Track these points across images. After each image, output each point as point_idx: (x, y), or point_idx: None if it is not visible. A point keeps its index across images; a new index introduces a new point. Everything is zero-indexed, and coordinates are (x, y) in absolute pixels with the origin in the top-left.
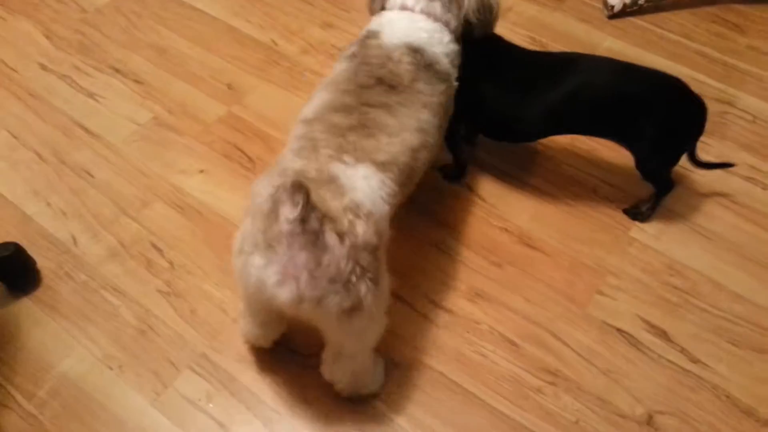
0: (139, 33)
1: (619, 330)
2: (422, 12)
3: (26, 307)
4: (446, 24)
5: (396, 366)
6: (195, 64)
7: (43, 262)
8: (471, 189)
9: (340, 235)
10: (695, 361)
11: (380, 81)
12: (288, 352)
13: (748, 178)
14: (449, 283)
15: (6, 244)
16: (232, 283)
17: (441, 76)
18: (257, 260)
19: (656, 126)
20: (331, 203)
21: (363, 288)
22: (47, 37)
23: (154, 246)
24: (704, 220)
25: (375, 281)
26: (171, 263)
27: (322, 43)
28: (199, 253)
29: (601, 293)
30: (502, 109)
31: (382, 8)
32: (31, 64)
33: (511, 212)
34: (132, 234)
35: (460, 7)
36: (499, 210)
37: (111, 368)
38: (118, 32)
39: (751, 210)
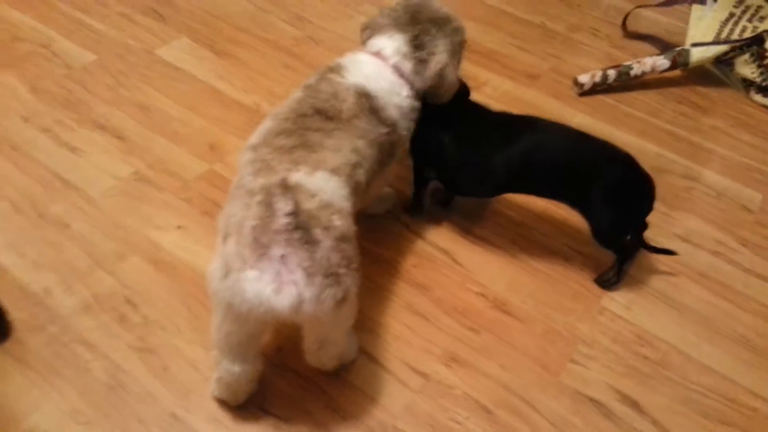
0: (124, 91)
1: (591, 399)
2: (393, 66)
3: None
4: (410, 83)
5: (369, 430)
6: (178, 123)
7: (15, 313)
8: (447, 253)
9: (325, 229)
10: None
11: (319, 112)
12: (260, 412)
13: (715, 252)
14: (424, 347)
15: None
16: (205, 341)
17: (384, 122)
18: (250, 274)
19: (604, 196)
20: (306, 205)
21: (350, 278)
22: (31, 92)
23: (129, 300)
24: (673, 292)
25: (356, 270)
26: (145, 318)
27: None
28: (174, 310)
29: (573, 361)
30: (459, 160)
31: (368, 39)
32: (13, 117)
33: (487, 278)
34: (106, 288)
35: (422, 77)
36: (475, 275)
37: (79, 424)
38: (103, 89)
39: (718, 283)
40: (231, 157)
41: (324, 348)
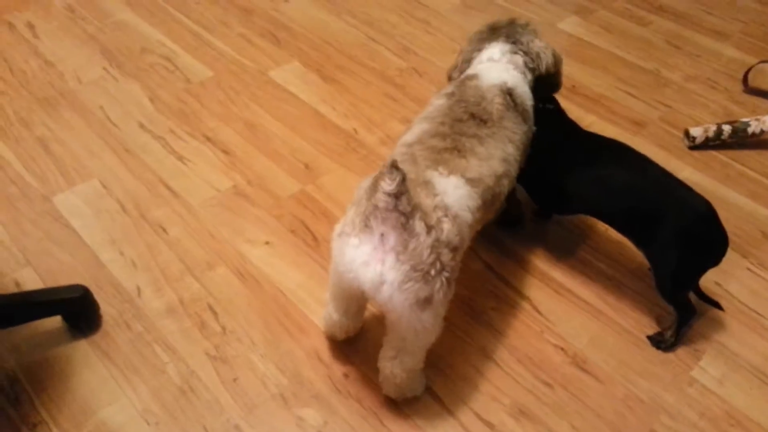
0: (234, 107)
1: None
2: (508, 62)
3: (82, 349)
4: (524, 75)
5: None
6: (279, 141)
7: (106, 307)
8: (529, 300)
9: (428, 227)
10: None
11: (473, 116)
12: None
13: None
14: (492, 394)
15: (76, 287)
16: (277, 358)
17: (524, 116)
18: (353, 240)
19: (669, 243)
20: (424, 200)
21: (438, 283)
22: (151, 101)
23: (211, 308)
24: None
25: (449, 282)
26: (223, 328)
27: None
28: (251, 323)
29: None
30: (539, 170)
31: (464, 62)
32: (131, 123)
33: (568, 331)
34: (193, 294)
35: (537, 63)
36: (556, 327)
37: (148, 423)
38: (216, 104)
39: None
40: (323, 179)
41: (399, 358)
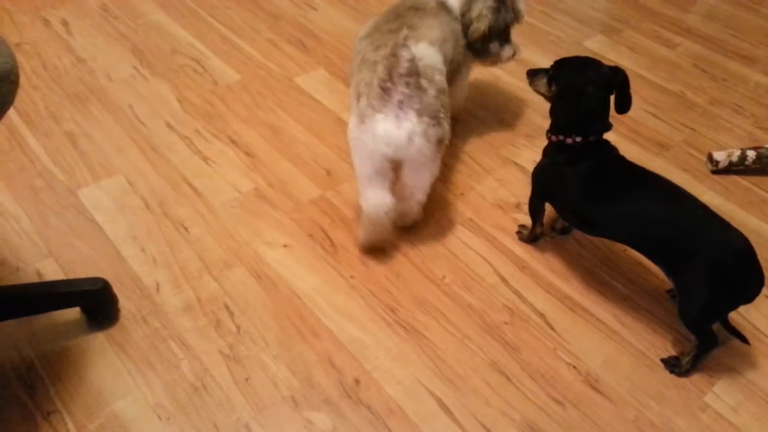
0: (259, 111)
1: None
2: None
3: (99, 342)
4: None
5: None
6: (302, 147)
7: (124, 302)
8: (543, 316)
9: (430, 81)
10: None
11: (411, 8)
12: None
13: None
14: (502, 409)
15: (96, 279)
16: (290, 360)
17: (454, 17)
18: (379, 116)
19: (701, 276)
20: (418, 62)
21: (446, 123)
22: (179, 101)
23: (227, 307)
24: None
25: (448, 123)
26: (238, 328)
27: None
28: (266, 324)
29: None
30: (574, 197)
31: None
32: (158, 122)
33: (582, 350)
34: (210, 292)
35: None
36: (569, 345)
37: (160, 418)
38: (241, 107)
39: None
40: (343, 186)
41: (413, 195)
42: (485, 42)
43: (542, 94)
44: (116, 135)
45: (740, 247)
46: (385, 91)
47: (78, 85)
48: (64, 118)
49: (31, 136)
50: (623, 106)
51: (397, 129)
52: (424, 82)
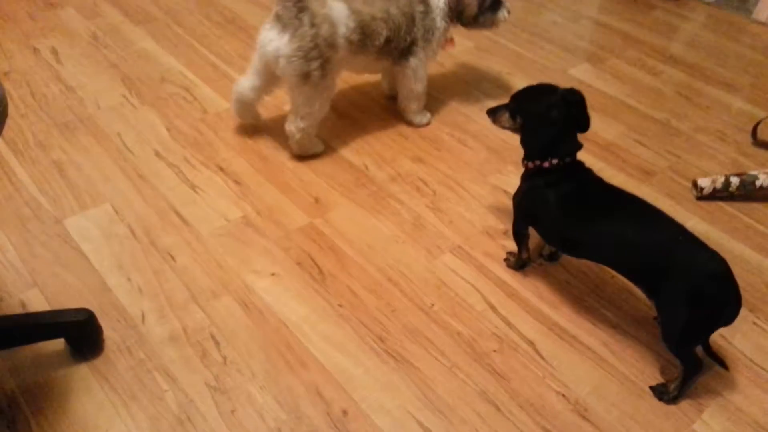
0: (248, 139)
1: None
2: None
3: (83, 373)
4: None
5: None
6: (291, 174)
7: (109, 332)
8: (532, 344)
9: (312, 24)
10: None
11: None
12: None
13: None
14: None
15: (81, 310)
16: (277, 391)
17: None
18: (267, 26)
19: (680, 297)
20: (318, 9)
21: (314, 65)
22: (168, 129)
23: (213, 338)
24: None
25: (323, 71)
26: (224, 358)
27: (410, 175)
28: (253, 355)
29: None
30: (556, 220)
31: None
32: (147, 150)
33: (571, 378)
34: (196, 322)
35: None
36: (559, 373)
37: None
38: (230, 135)
39: None
40: (332, 213)
41: (294, 120)
42: (476, 19)
43: (508, 128)
44: (104, 163)
45: (717, 268)
46: (278, 12)
47: (66, 114)
48: (52, 147)
49: (18, 165)
50: (583, 125)
51: (269, 41)
52: (305, 20)
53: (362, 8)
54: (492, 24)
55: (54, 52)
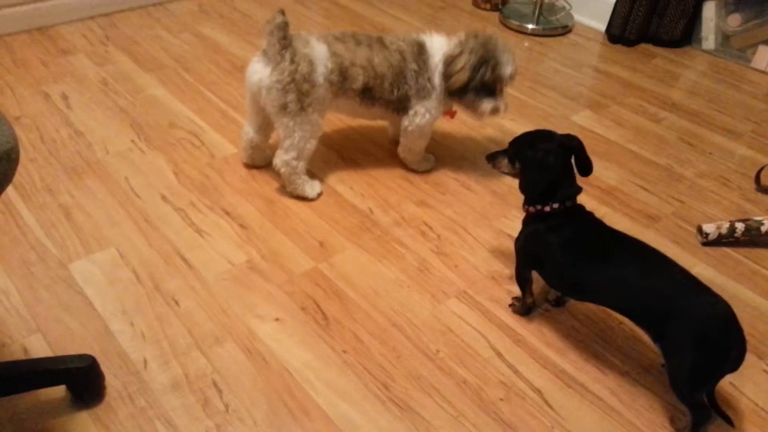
0: (254, 183)
1: None
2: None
3: (83, 421)
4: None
5: None
6: (296, 218)
7: (111, 379)
8: (540, 393)
9: (292, 61)
10: None
11: (378, 40)
12: None
13: None
14: None
15: (84, 356)
16: None
17: (422, 66)
18: (255, 59)
19: (686, 343)
20: (300, 48)
21: (290, 97)
22: (175, 174)
23: (216, 385)
24: None
25: (300, 104)
26: (227, 406)
27: (415, 219)
28: (255, 402)
29: None
30: (560, 264)
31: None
32: (154, 194)
33: (580, 428)
34: (199, 369)
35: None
36: (567, 423)
37: None
38: (237, 179)
39: None
40: (336, 258)
41: (279, 153)
42: (462, 93)
43: (507, 174)
44: (110, 207)
45: (721, 312)
46: (266, 47)
47: (75, 158)
48: (59, 191)
49: (26, 209)
50: (585, 169)
51: (255, 73)
52: (287, 57)
53: (343, 53)
54: (476, 110)
55: (64, 97)
